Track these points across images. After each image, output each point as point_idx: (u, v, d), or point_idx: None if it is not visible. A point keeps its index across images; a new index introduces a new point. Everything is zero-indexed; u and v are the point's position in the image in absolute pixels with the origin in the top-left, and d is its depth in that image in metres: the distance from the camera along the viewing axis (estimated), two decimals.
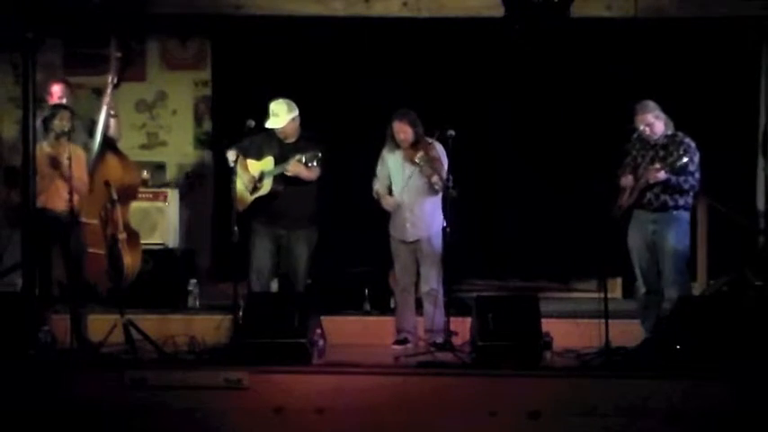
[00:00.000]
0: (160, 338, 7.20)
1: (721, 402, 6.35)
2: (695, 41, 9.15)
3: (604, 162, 7.52)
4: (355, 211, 8.64)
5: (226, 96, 9.67)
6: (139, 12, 8.64)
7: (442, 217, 7.68)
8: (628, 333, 7.31)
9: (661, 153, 7.33)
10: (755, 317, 6.93)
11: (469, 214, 8.49)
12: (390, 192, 7.87)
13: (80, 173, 7.23)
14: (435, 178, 7.61)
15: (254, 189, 7.81)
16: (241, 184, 7.77)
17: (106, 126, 7.50)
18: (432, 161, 7.65)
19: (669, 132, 7.39)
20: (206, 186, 9.75)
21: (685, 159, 7.21)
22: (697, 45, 9.16)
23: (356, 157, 8.48)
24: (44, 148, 7.28)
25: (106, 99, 7.52)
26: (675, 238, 7.32)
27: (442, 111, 8.45)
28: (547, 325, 7.01)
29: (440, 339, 7.41)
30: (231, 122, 8.47)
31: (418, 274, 7.85)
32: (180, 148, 9.88)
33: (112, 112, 7.59)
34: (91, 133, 7.55)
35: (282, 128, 7.77)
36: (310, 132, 7.84)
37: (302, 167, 7.60)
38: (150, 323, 7.44)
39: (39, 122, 7.25)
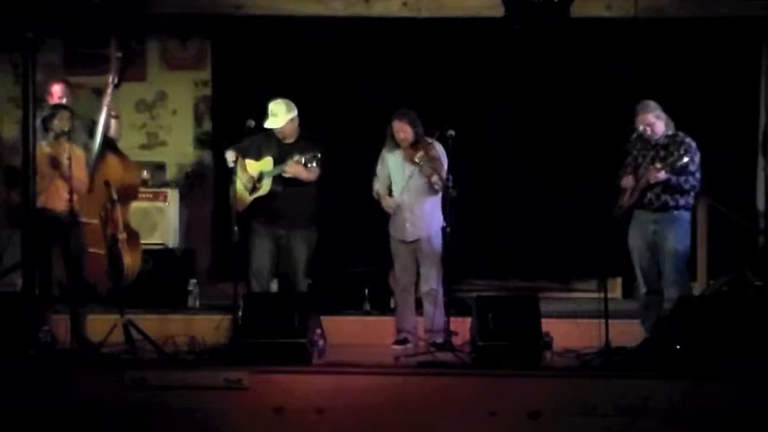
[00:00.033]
0: (160, 338, 7.19)
1: (721, 402, 6.35)
2: (695, 41, 9.15)
3: (604, 162, 7.52)
4: (355, 211, 8.64)
5: (226, 96, 9.68)
6: (139, 12, 8.64)
7: (441, 217, 7.68)
8: (628, 333, 7.31)
9: (662, 153, 7.33)
10: (755, 317, 6.93)
11: (469, 214, 8.49)
12: (390, 192, 7.87)
13: (79, 173, 7.22)
14: (435, 178, 7.61)
15: (254, 189, 7.81)
16: (240, 185, 7.77)
17: (106, 126, 7.50)
18: (432, 161, 7.65)
19: (670, 132, 7.39)
20: (206, 186, 9.76)
21: (686, 159, 7.21)
22: (697, 45, 9.16)
23: (356, 157, 8.48)
24: (43, 147, 7.28)
25: (107, 99, 7.52)
26: (676, 238, 7.32)
27: (442, 111, 8.45)
28: (547, 325, 7.01)
29: (440, 339, 7.41)
30: (231, 122, 8.48)
31: (418, 274, 7.85)
32: (180, 148, 9.88)
33: (113, 113, 7.58)
34: (91, 133, 7.54)
35: (281, 128, 7.77)
36: (309, 132, 7.84)
37: (301, 168, 7.60)
38: (150, 323, 7.44)
39: (38, 122, 7.25)
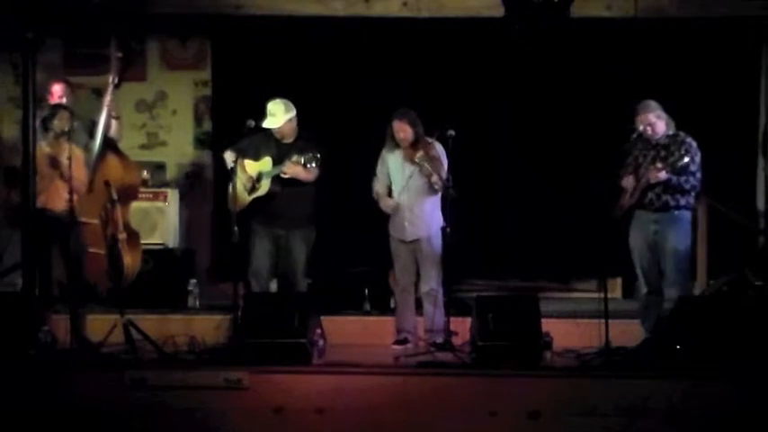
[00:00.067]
0: (160, 338, 7.19)
1: (721, 402, 6.34)
2: (695, 41, 9.15)
3: (604, 162, 7.52)
4: (355, 211, 8.64)
5: (226, 96, 9.68)
6: (139, 12, 8.64)
7: (441, 217, 7.68)
8: (628, 333, 7.31)
9: (662, 153, 7.33)
10: (755, 317, 6.93)
11: (469, 214, 8.48)
12: (390, 192, 7.87)
13: (78, 173, 7.22)
14: (435, 178, 7.61)
15: (252, 189, 7.81)
16: (239, 185, 7.77)
17: (107, 127, 7.49)
18: (432, 161, 7.65)
19: (671, 132, 7.39)
20: (206, 186, 9.76)
21: (686, 160, 7.21)
22: (697, 45, 9.16)
23: (356, 157, 8.49)
24: (43, 148, 7.28)
25: (107, 99, 7.51)
26: (677, 238, 7.33)
27: (442, 111, 8.44)
28: (547, 325, 7.01)
29: (440, 339, 7.41)
30: (231, 122, 8.47)
31: (418, 274, 7.85)
32: (180, 148, 9.88)
33: (114, 114, 7.58)
34: (91, 134, 7.54)
35: (279, 128, 7.77)
36: (308, 132, 7.84)
37: (300, 168, 7.61)
38: (150, 323, 7.44)
39: (38, 122, 7.24)
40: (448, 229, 7.56)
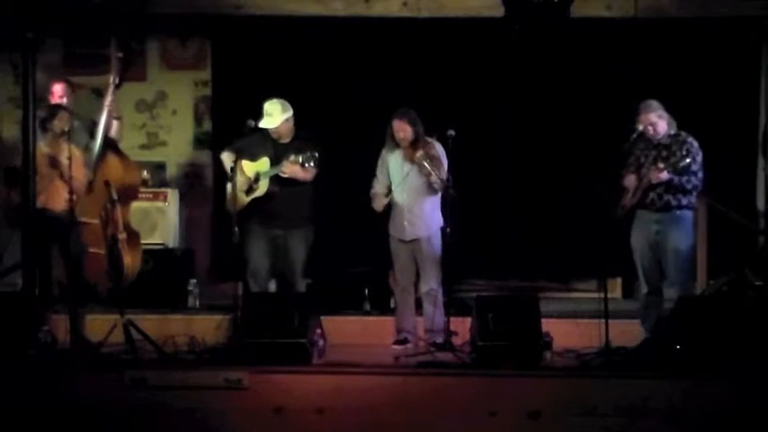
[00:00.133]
0: (160, 338, 7.20)
1: (721, 402, 6.35)
2: (695, 41, 9.15)
3: (604, 162, 7.52)
4: (355, 210, 8.61)
5: (226, 96, 9.67)
6: (139, 12, 8.64)
7: (441, 217, 7.68)
8: (628, 333, 7.31)
9: (664, 153, 7.33)
10: (755, 317, 6.93)
11: (469, 214, 8.48)
12: (390, 192, 7.86)
13: (77, 173, 7.22)
14: (434, 177, 7.60)
15: (250, 190, 7.80)
16: (237, 185, 7.76)
17: (107, 127, 7.49)
18: (431, 160, 7.65)
19: (672, 132, 7.40)
20: (206, 186, 9.76)
21: (688, 160, 7.22)
22: (697, 45, 9.16)
23: (356, 156, 8.49)
24: (42, 148, 7.28)
25: (108, 100, 7.51)
26: (679, 237, 7.33)
27: (442, 111, 8.44)
28: (547, 325, 7.02)
29: (440, 339, 7.42)
30: (231, 122, 8.47)
31: (418, 274, 7.85)
32: (180, 148, 9.88)
33: (115, 114, 7.57)
34: (92, 134, 7.54)
35: (276, 128, 7.77)
36: (305, 132, 7.83)
37: (298, 168, 7.61)
38: (150, 323, 7.44)
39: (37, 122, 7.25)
40: (448, 229, 7.56)
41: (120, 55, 7.59)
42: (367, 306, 8.54)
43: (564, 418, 6.39)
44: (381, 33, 9.25)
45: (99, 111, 7.48)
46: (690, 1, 8.84)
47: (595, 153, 8.55)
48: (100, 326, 7.25)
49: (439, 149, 7.72)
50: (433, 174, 7.60)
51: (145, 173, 8.95)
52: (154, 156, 9.78)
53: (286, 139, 7.82)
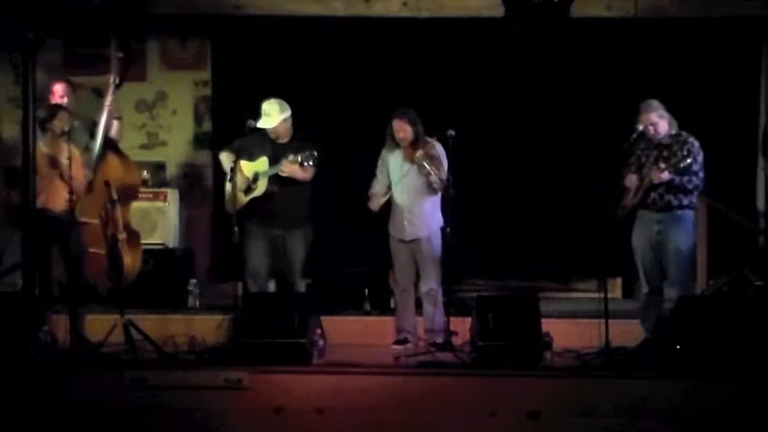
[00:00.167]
0: (160, 338, 7.20)
1: (721, 402, 6.35)
2: (695, 41, 9.14)
3: (605, 162, 7.52)
4: (355, 210, 8.59)
5: (226, 96, 9.67)
6: (139, 12, 8.64)
7: (441, 217, 7.68)
8: (628, 333, 7.31)
9: (665, 153, 7.33)
10: (755, 317, 6.93)
11: (469, 214, 8.48)
12: (390, 191, 7.86)
13: (76, 173, 7.23)
14: (434, 177, 7.60)
15: (249, 190, 7.80)
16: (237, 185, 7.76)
17: (107, 127, 7.49)
18: (431, 160, 7.65)
19: (673, 132, 7.40)
20: (205, 186, 9.75)
21: (689, 161, 7.22)
22: (697, 45, 9.16)
23: (356, 156, 8.49)
24: (42, 148, 7.28)
25: (108, 100, 7.51)
26: (680, 237, 7.33)
27: (442, 111, 8.44)
28: (547, 325, 7.02)
29: (440, 339, 7.42)
30: (231, 122, 8.46)
31: (418, 274, 7.85)
32: (180, 147, 9.88)
33: (115, 114, 7.57)
34: (92, 134, 7.54)
35: (274, 128, 7.77)
36: (303, 132, 7.83)
37: (297, 167, 7.61)
38: (150, 323, 7.44)
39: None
40: (448, 229, 7.56)
41: (120, 55, 7.59)
42: (367, 306, 8.54)
43: (564, 418, 6.39)
44: (381, 33, 9.25)
45: (99, 111, 7.48)
46: (690, 1, 8.84)
47: (596, 153, 8.54)
48: (100, 326, 7.25)
49: (439, 149, 7.72)
50: (433, 174, 7.60)
51: (145, 173, 8.95)
52: (154, 156, 9.77)
53: (284, 139, 7.82)
